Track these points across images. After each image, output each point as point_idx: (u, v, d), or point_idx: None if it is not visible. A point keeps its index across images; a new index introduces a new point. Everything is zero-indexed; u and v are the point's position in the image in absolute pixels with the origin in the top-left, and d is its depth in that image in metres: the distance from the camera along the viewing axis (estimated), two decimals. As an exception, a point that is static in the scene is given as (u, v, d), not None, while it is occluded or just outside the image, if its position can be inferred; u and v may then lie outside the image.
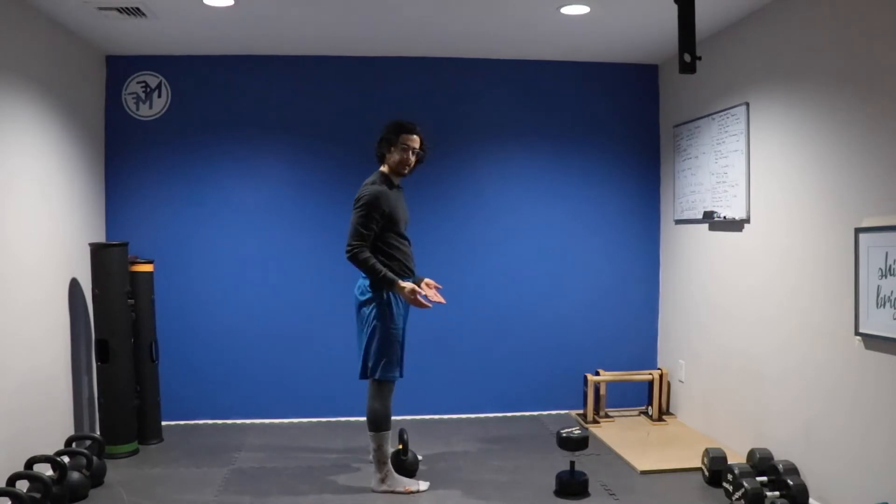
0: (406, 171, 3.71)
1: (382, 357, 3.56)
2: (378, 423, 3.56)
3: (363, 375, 3.65)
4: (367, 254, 3.51)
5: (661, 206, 5.24)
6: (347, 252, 3.52)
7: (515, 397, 5.12)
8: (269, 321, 4.94)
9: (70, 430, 4.13)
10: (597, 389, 4.87)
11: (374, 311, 3.56)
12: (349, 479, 3.83)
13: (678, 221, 4.91)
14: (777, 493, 3.27)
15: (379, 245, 3.58)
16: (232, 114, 4.91)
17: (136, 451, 4.26)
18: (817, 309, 3.39)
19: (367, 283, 3.59)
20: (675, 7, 3.29)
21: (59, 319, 4.08)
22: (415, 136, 3.69)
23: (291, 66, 4.93)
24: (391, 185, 3.67)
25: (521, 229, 5.13)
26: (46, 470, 3.38)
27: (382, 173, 3.70)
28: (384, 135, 3.69)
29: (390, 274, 3.53)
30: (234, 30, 4.33)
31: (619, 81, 5.19)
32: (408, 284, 3.55)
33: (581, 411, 4.98)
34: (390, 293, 3.57)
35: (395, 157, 3.66)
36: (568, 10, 3.99)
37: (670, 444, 4.36)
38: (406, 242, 3.71)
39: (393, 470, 3.66)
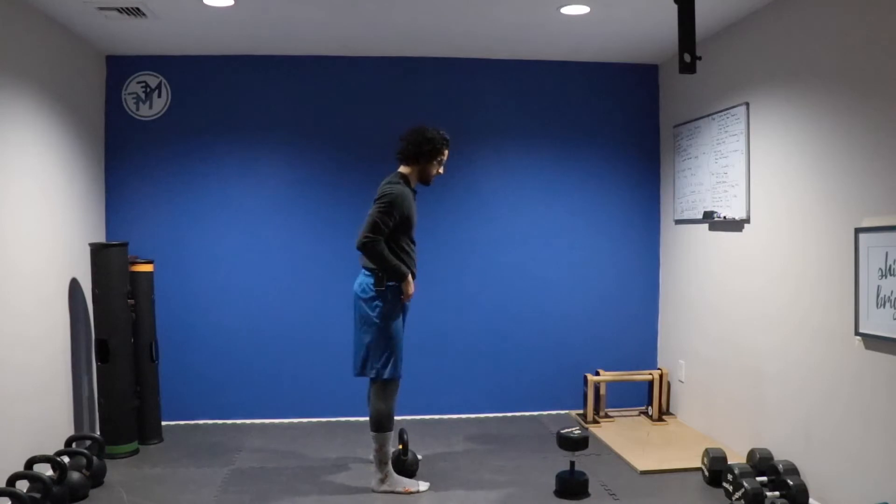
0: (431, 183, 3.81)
1: (387, 357, 3.56)
2: (381, 424, 3.56)
3: (360, 373, 3.65)
4: (383, 245, 3.51)
5: (661, 206, 5.24)
6: (364, 241, 3.49)
7: (515, 397, 5.12)
8: (269, 321, 4.94)
9: (70, 430, 4.13)
10: (597, 389, 4.87)
11: (378, 310, 3.56)
12: (349, 479, 3.83)
13: (678, 221, 4.91)
14: (777, 493, 3.27)
15: (390, 245, 3.58)
16: (232, 114, 4.91)
17: (136, 451, 4.26)
18: (817, 309, 3.39)
19: (369, 280, 3.58)
20: (675, 7, 3.29)
21: (58, 319, 4.08)
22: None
23: (291, 66, 4.93)
24: (409, 188, 3.68)
25: (521, 229, 5.13)
26: (46, 470, 3.39)
27: (404, 175, 3.69)
28: (433, 145, 3.66)
29: (403, 266, 3.56)
30: (234, 30, 4.33)
31: (619, 81, 5.20)
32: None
33: (581, 411, 4.98)
34: (392, 293, 3.57)
35: (434, 168, 3.72)
36: (568, 10, 3.99)
37: (670, 444, 4.37)
38: (414, 246, 3.72)
39: (393, 470, 3.66)
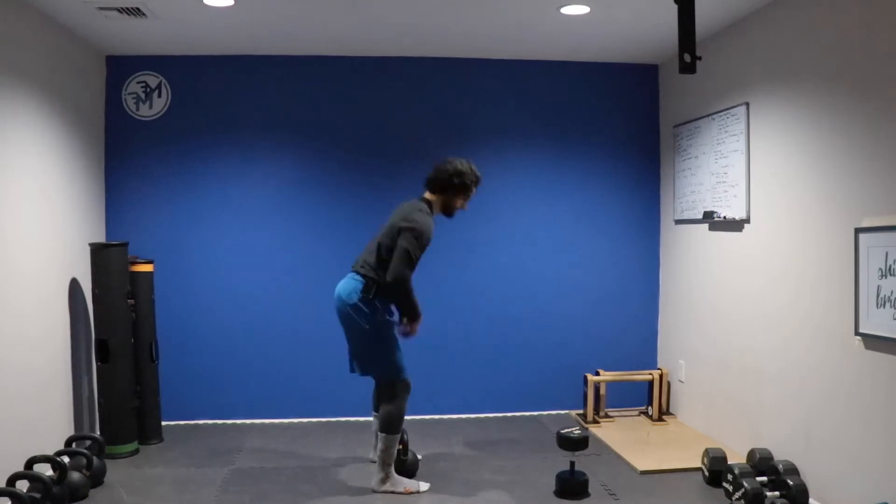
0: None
1: (387, 360, 3.57)
2: (392, 425, 3.56)
3: (363, 373, 3.66)
4: (411, 281, 3.50)
5: (661, 206, 5.24)
6: (400, 276, 3.43)
7: (515, 397, 5.12)
8: (269, 321, 4.94)
9: (70, 430, 4.13)
10: (597, 389, 4.87)
11: (366, 317, 3.54)
12: (349, 479, 3.83)
13: (678, 221, 4.91)
14: (777, 493, 3.27)
15: None
16: (232, 114, 4.91)
17: (136, 451, 4.26)
18: (817, 309, 3.39)
19: (358, 286, 3.54)
20: (675, 7, 3.30)
21: (58, 319, 4.08)
22: None
23: (291, 66, 4.93)
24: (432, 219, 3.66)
25: (521, 229, 5.13)
26: (46, 470, 3.39)
27: (429, 202, 3.67)
28: (463, 180, 3.65)
29: (419, 306, 3.59)
30: (234, 30, 4.33)
31: (619, 81, 5.19)
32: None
33: (581, 411, 4.98)
34: (381, 302, 3.56)
35: (459, 202, 3.71)
36: (568, 10, 3.99)
37: (670, 444, 4.37)
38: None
39: (394, 471, 3.66)
